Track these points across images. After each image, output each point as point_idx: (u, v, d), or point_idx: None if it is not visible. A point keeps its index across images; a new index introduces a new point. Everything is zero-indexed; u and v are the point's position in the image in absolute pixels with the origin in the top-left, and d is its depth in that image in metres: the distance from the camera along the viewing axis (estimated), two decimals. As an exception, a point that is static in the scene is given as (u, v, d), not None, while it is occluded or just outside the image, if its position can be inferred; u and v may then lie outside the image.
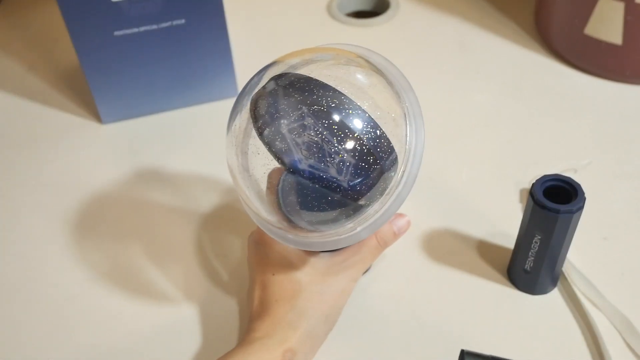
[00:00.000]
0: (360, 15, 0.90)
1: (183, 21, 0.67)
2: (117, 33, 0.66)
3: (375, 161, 0.44)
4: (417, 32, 0.85)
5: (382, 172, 0.44)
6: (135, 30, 0.67)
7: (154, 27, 0.67)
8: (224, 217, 0.63)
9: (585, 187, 0.50)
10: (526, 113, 0.73)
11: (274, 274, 0.50)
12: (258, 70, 0.47)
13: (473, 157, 0.68)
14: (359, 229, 0.46)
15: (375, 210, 0.46)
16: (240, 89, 0.76)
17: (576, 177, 0.58)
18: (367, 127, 0.44)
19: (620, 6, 0.69)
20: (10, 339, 0.55)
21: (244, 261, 0.59)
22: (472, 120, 0.72)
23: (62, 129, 0.74)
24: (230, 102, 0.76)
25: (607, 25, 0.71)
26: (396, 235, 0.53)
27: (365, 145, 0.43)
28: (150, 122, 0.74)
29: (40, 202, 0.66)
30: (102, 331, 0.55)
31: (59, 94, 0.78)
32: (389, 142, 0.44)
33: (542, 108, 0.74)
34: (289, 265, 0.50)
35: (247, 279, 0.58)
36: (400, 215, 0.53)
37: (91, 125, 0.74)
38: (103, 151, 0.71)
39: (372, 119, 0.44)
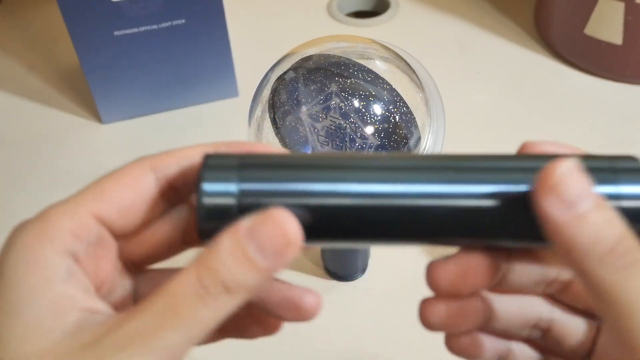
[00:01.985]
0: (360, 15, 0.90)
1: (183, 21, 0.67)
2: (117, 33, 0.66)
3: (405, 136, 0.44)
4: (417, 32, 0.85)
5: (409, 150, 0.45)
6: (136, 30, 0.67)
7: (154, 27, 0.67)
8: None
9: (585, 187, 0.50)
10: (526, 113, 0.73)
11: None
12: (264, 67, 0.48)
13: (473, 157, 0.68)
14: None
15: None
16: (240, 89, 0.76)
17: (576, 177, 0.58)
18: (399, 101, 0.44)
19: (620, 6, 0.69)
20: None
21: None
22: (472, 120, 0.72)
23: (62, 129, 0.74)
24: (230, 102, 0.76)
25: (607, 25, 0.71)
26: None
27: (398, 122, 0.44)
28: (150, 122, 0.74)
29: (40, 203, 0.66)
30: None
31: (59, 94, 0.78)
32: (414, 119, 0.45)
33: (542, 108, 0.73)
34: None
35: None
36: None
37: (91, 125, 0.74)
38: (103, 151, 0.71)
39: (401, 96, 0.44)
